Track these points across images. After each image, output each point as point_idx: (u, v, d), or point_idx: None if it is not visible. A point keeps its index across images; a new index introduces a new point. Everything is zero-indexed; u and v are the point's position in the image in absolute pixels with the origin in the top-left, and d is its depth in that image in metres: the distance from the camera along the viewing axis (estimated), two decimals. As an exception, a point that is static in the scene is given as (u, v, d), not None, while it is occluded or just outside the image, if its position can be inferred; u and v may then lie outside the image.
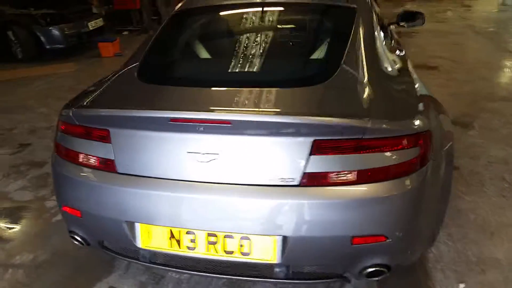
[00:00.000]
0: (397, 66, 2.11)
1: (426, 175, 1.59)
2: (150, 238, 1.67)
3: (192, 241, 1.63)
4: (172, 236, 1.64)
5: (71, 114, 1.71)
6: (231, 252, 1.61)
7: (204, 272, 1.73)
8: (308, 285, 1.97)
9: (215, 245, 1.61)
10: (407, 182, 1.53)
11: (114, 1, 9.39)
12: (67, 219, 1.88)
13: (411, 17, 3.37)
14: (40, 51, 7.13)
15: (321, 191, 1.49)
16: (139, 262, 1.80)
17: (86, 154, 1.70)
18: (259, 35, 2.05)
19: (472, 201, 2.75)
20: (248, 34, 2.07)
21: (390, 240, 1.55)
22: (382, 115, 1.55)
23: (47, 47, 7.06)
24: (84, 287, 2.15)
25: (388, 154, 1.51)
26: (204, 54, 2.18)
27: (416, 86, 1.99)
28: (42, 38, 6.99)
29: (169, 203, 1.58)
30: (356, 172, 1.49)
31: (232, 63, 1.87)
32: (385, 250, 1.59)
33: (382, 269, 1.63)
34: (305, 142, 1.47)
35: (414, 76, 2.13)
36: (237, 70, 1.89)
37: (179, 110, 1.53)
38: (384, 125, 1.49)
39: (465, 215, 2.60)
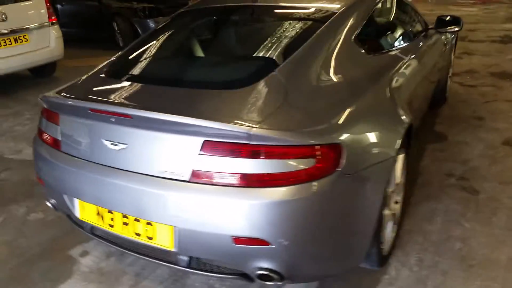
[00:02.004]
0: (354, 80, 1.98)
1: (325, 188, 1.55)
2: (85, 211, 1.91)
3: (112, 219, 1.82)
4: (99, 212, 1.86)
5: (40, 99, 2.01)
6: (139, 235, 1.76)
7: (125, 249, 1.91)
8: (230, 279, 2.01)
9: (128, 226, 1.78)
10: (294, 191, 1.51)
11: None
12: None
13: (447, 22, 3.11)
14: (137, 41, 7.97)
15: (206, 188, 1.56)
16: (84, 232, 2.06)
17: (47, 134, 2.00)
18: (218, 38, 2.13)
19: (470, 229, 2.47)
20: (208, 37, 2.16)
21: (273, 246, 1.55)
22: (280, 125, 1.54)
23: (143, 37, 7.86)
24: (64, 248, 2.49)
25: (275, 161, 1.51)
26: (160, 53, 2.31)
27: (361, 102, 1.85)
28: (139, 29, 7.80)
29: (92, 183, 1.79)
30: (239, 175, 1.53)
31: (175, 63, 2.00)
32: (271, 255, 1.59)
33: (272, 274, 1.63)
34: (196, 141, 1.56)
35: (375, 94, 1.97)
36: (174, 70, 2.00)
37: (96, 102, 1.73)
38: (272, 134, 1.49)
39: (451, 243, 2.36)
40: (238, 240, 1.57)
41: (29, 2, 5.62)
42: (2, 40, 5.24)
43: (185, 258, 1.75)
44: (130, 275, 2.27)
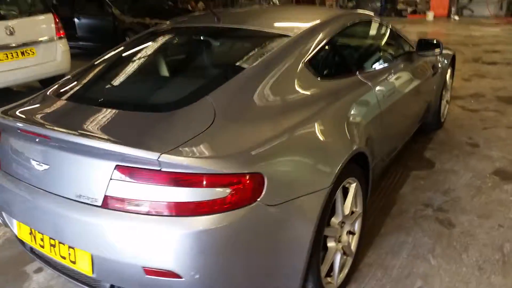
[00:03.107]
0: (293, 107, 1.88)
1: (241, 220, 1.48)
2: (21, 230, 1.90)
3: (42, 240, 1.80)
4: (31, 232, 1.84)
5: None
6: (65, 258, 1.73)
7: (58, 270, 1.88)
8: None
9: (55, 248, 1.75)
10: (206, 222, 1.44)
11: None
12: None
13: (428, 45, 3.00)
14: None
15: (116, 216, 1.51)
16: (25, 250, 2.04)
17: (-9, 150, 2.01)
18: (168, 60, 2.10)
19: (436, 266, 2.32)
20: (159, 59, 2.14)
21: (185, 279, 1.49)
22: (195, 152, 1.48)
23: (153, 52, 8.01)
24: (21, 264, 2.46)
25: (187, 189, 1.45)
26: (107, 73, 2.28)
27: (293, 130, 1.75)
28: (150, 44, 7.96)
29: (22, 203, 1.78)
30: (149, 203, 1.47)
31: (117, 84, 1.98)
32: None
33: (189, 309, 1.56)
34: (109, 166, 1.52)
35: (313, 120, 1.86)
36: (113, 91, 1.99)
37: (24, 122, 1.72)
38: (182, 161, 1.44)
39: (412, 280, 2.22)
40: (149, 271, 1.51)
41: (37, 17, 5.81)
42: (9, 53, 5.42)
43: (107, 285, 1.71)
44: (77, 295, 2.23)
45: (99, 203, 1.55)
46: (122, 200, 1.51)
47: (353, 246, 2.22)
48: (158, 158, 1.42)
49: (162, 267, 1.49)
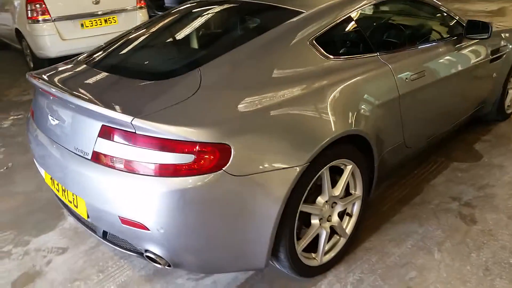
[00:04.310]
0: (284, 84, 1.89)
1: (203, 186, 1.58)
2: (46, 176, 2.21)
3: (57, 185, 2.09)
4: (51, 178, 2.14)
5: (27, 77, 2.34)
6: (71, 202, 2.00)
7: (72, 214, 2.17)
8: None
9: (65, 193, 2.03)
10: (170, 183, 1.57)
11: None
12: None
13: (478, 28, 2.75)
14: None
15: (101, 169, 1.70)
16: (54, 195, 2.37)
17: (32, 105, 2.34)
18: (183, 32, 2.21)
19: (438, 260, 2.22)
20: (177, 30, 2.26)
21: (151, 232, 1.65)
22: (168, 119, 1.61)
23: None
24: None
25: (157, 152, 1.59)
26: (129, 42, 2.44)
27: (276, 107, 1.78)
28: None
29: (45, 152, 2.07)
30: (124, 161, 1.64)
31: (131, 52, 2.16)
32: (152, 240, 1.68)
33: (157, 258, 1.74)
34: (97, 125, 1.72)
35: (305, 98, 1.87)
36: (125, 58, 2.17)
37: (43, 82, 1.98)
38: (152, 126, 1.57)
39: (406, 270, 2.16)
40: (123, 220, 1.70)
41: (121, -13, 6.28)
42: (94, 20, 5.99)
43: (101, 230, 1.94)
44: (95, 238, 2.54)
45: (89, 157, 1.76)
46: (105, 156, 1.71)
47: (349, 229, 2.22)
48: (131, 121, 1.58)
49: (134, 219, 1.67)
